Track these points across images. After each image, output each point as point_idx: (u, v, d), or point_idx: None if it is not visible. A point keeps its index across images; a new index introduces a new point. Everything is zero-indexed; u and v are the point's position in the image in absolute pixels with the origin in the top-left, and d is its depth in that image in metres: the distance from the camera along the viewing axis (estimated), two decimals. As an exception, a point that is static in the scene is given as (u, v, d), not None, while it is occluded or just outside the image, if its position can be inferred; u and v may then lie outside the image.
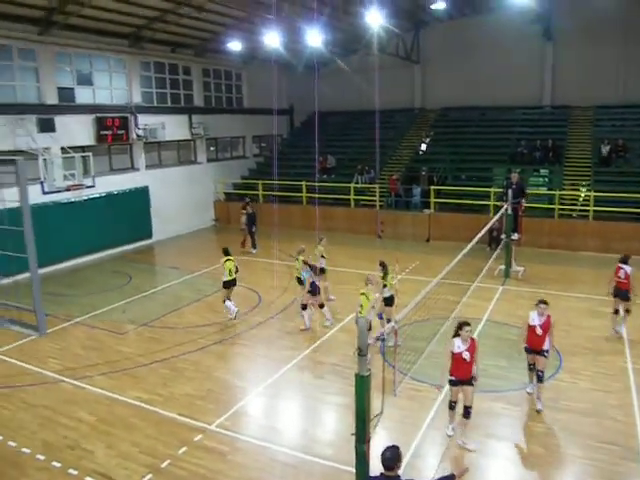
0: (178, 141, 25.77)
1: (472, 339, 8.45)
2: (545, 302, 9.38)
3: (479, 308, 14.16)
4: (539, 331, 9.29)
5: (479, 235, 14.06)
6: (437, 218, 22.62)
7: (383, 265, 12.56)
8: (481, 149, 26.34)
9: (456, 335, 8.41)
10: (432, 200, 22.87)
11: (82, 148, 20.20)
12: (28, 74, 19.18)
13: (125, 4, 18.97)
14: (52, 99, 19.67)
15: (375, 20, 20.33)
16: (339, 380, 10.64)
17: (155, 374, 11.18)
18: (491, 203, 21.60)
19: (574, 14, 25.57)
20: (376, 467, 5.44)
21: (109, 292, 16.73)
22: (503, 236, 17.33)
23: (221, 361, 11.81)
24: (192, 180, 26.00)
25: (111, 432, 9.08)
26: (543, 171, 24.30)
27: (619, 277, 12.15)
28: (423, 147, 27.63)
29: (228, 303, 14.04)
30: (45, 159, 18.23)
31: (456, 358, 8.36)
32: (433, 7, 25.47)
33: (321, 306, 13.43)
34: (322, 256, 15.30)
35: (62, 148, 19.29)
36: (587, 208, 20.56)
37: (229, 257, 14.45)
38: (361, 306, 11.16)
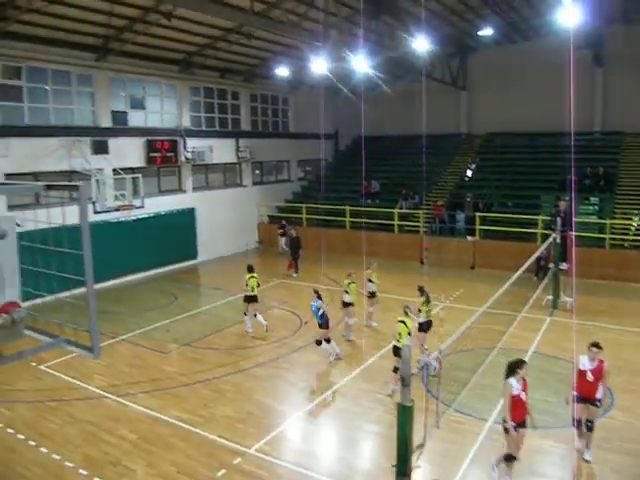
0: (224, 164, 26.29)
1: (523, 378, 7.91)
2: (598, 345, 8.47)
3: (525, 339, 13.75)
4: (590, 377, 8.41)
5: (527, 264, 13.72)
6: (482, 245, 22.23)
7: (422, 290, 12.51)
8: (528, 176, 25.84)
9: (512, 374, 7.81)
10: (477, 227, 22.52)
11: (132, 170, 20.84)
12: (85, 98, 20.01)
13: (177, 32, 19.62)
14: (106, 122, 20.42)
15: (421, 46, 20.39)
16: (379, 408, 10.47)
17: (197, 394, 11.26)
18: (538, 231, 21.11)
19: (626, 40, 25.06)
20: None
21: (154, 311, 17.03)
22: (551, 265, 16.87)
23: (262, 384, 11.80)
24: (237, 202, 26.41)
25: (152, 451, 9.16)
26: (593, 199, 23.66)
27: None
28: (469, 173, 27.34)
29: (259, 317, 14.84)
30: (98, 180, 18.86)
31: (515, 401, 7.79)
32: (480, 34, 25.45)
33: (327, 340, 12.76)
34: (370, 280, 15.20)
35: (114, 169, 19.94)
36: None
37: (253, 274, 15.09)
38: (399, 334, 10.99)
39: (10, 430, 9.85)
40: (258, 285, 15.03)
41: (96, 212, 18.76)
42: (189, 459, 8.89)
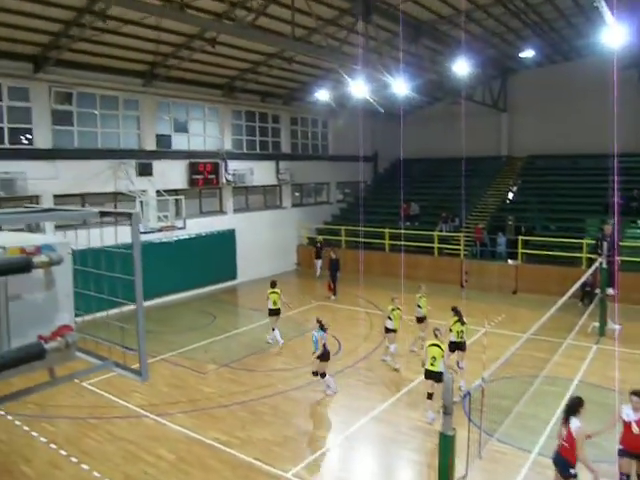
0: (265, 186, 26.61)
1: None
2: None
3: (570, 367, 13.28)
4: (636, 429, 7.53)
5: (572, 289, 13.34)
6: (525, 269, 21.75)
7: (455, 310, 12.45)
8: (572, 198, 25.29)
9: (574, 414, 7.09)
10: (519, 250, 22.08)
11: (175, 191, 21.27)
12: (131, 122, 20.64)
13: (221, 57, 20.12)
14: (151, 145, 20.99)
15: (462, 69, 20.37)
16: (419, 436, 10.25)
17: (234, 416, 11.26)
18: (583, 255, 20.55)
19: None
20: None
21: (194, 331, 17.21)
22: (597, 291, 16.37)
23: (299, 407, 11.72)
24: (277, 224, 26.64)
25: (189, 472, 9.17)
26: (640, 222, 22.96)
27: None
28: (510, 196, 26.95)
29: (276, 333, 15.54)
30: (142, 201, 19.31)
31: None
32: (522, 55, 25.27)
33: (322, 375, 12.19)
34: (418, 305, 15.02)
35: (157, 191, 20.40)
36: (692, 264, 19.10)
37: (275, 290, 15.80)
38: (434, 358, 10.82)
39: (53, 445, 10.03)
40: (281, 300, 15.79)
41: (140, 233, 19.15)
42: (226, 482, 8.87)
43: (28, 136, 17.54)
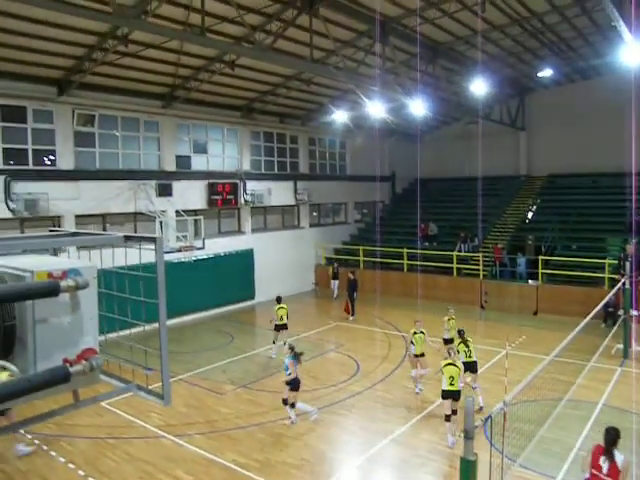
0: (283, 206, 26.73)
1: None
2: None
3: (594, 391, 13.02)
4: None
5: (595, 309, 13.13)
6: (545, 290, 21.46)
7: (459, 332, 12.55)
8: (592, 217, 25.04)
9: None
10: (540, 270, 21.82)
11: (194, 212, 21.48)
12: (151, 143, 20.95)
13: (240, 79, 20.40)
14: (170, 166, 21.26)
15: (479, 89, 20.41)
16: (439, 460, 10.09)
17: (252, 438, 11.18)
18: (606, 275, 20.24)
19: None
20: None
21: (212, 351, 17.22)
22: (621, 312, 16.09)
23: (317, 430, 11.60)
24: (294, 244, 26.69)
25: (207, 495, 9.10)
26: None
27: None
28: (529, 215, 26.76)
29: (275, 346, 16.20)
30: (161, 221, 19.51)
31: None
32: (540, 75, 25.26)
33: (292, 405, 11.76)
34: (446, 328, 14.74)
35: (176, 211, 20.61)
36: None
37: (281, 305, 16.50)
38: (451, 377, 10.77)
39: (71, 465, 10.04)
40: (287, 316, 16.47)
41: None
42: (244, 505, 8.78)
43: (51, 157, 17.89)
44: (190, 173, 22.01)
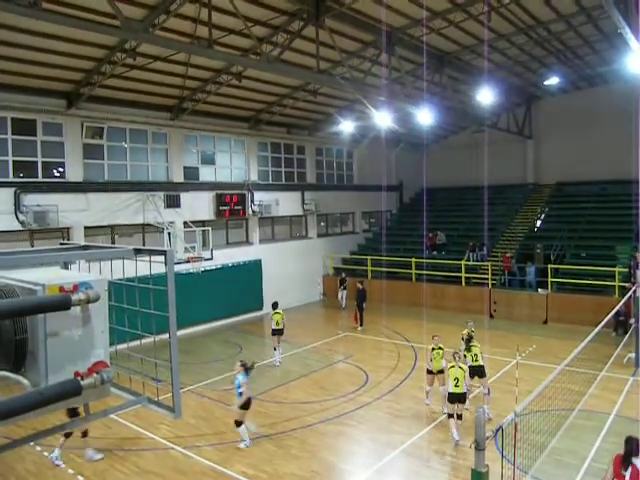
0: (290, 216, 26.77)
1: None
2: None
3: (606, 401, 12.87)
4: None
5: (606, 319, 13.02)
6: (555, 299, 21.31)
7: (463, 339, 12.67)
8: (602, 225, 24.91)
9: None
10: (549, 279, 21.68)
11: (202, 222, 21.53)
12: (159, 155, 21.08)
13: (247, 91, 20.52)
14: (179, 177, 21.36)
15: (486, 97, 20.43)
16: (449, 471, 10.00)
17: (261, 449, 11.13)
18: (616, 284, 20.08)
19: None
20: None
21: (220, 362, 17.18)
22: (632, 321, 15.94)
23: (327, 441, 11.53)
24: (302, 254, 26.69)
25: (217, 507, 9.05)
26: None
27: None
28: (538, 223, 26.66)
29: (277, 352, 16.69)
30: (170, 232, 19.58)
31: None
32: (546, 83, 25.27)
33: (238, 424, 11.36)
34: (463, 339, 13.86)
35: (184, 222, 20.67)
36: None
37: (277, 311, 16.88)
38: (456, 379, 10.95)
39: (80, 478, 10.02)
40: (283, 322, 16.85)
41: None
42: (254, 517, 8.72)
43: (60, 169, 18.03)
44: (198, 184, 22.10)
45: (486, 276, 23.41)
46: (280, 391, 14.53)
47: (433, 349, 12.74)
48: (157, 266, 3.29)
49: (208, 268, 21.50)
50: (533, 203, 29.06)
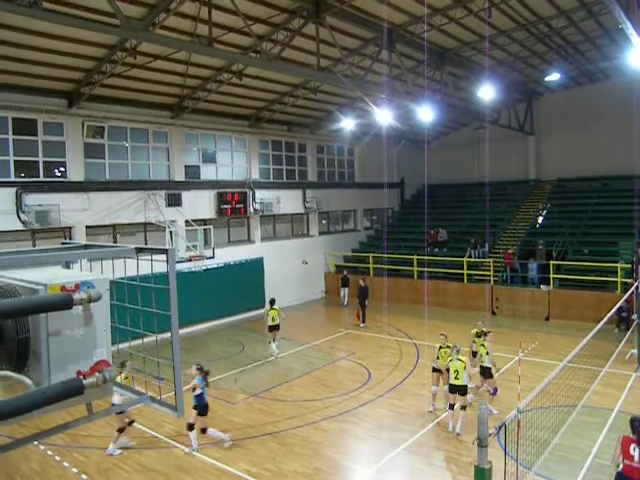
0: (292, 214, 26.76)
1: None
2: None
3: (609, 397, 12.86)
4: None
5: (609, 315, 13.00)
6: (557, 295, 21.27)
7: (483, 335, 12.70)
8: (604, 221, 24.88)
9: None
10: (551, 275, 21.66)
11: (204, 221, 21.55)
12: (160, 154, 21.08)
13: (247, 89, 20.50)
14: (180, 176, 21.36)
15: (487, 94, 20.39)
16: (453, 469, 9.99)
17: (264, 447, 11.14)
18: (618, 280, 20.05)
19: None
20: None
21: (223, 360, 17.21)
22: (634, 317, 15.92)
23: (330, 438, 11.54)
24: (304, 252, 26.68)
25: (220, 505, 9.06)
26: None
27: None
28: (540, 220, 26.62)
29: (273, 345, 17.04)
30: (171, 231, 19.58)
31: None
32: (547, 79, 25.22)
33: (190, 427, 10.96)
34: (474, 340, 13.81)
35: (186, 221, 20.68)
36: None
37: (274, 307, 17.42)
38: (456, 371, 11.19)
39: (84, 476, 10.04)
40: (279, 317, 17.38)
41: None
42: (257, 515, 8.74)
43: (62, 169, 18.04)
44: (199, 183, 22.10)
45: (488, 273, 23.39)
46: (283, 389, 14.53)
47: (441, 347, 12.61)
48: (159, 265, 3.29)
49: (210, 267, 21.49)
50: (535, 199, 29.02)
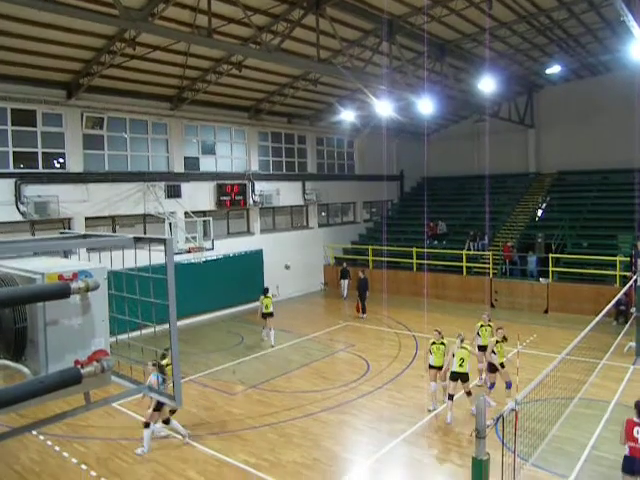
0: (291, 206, 26.73)
1: None
2: None
3: (607, 389, 12.90)
4: None
5: (607, 308, 13.02)
6: (556, 288, 21.29)
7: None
8: (603, 214, 24.88)
9: None
10: (550, 268, 21.67)
11: (203, 213, 21.53)
12: (159, 145, 21.03)
13: (247, 80, 20.42)
14: (179, 168, 21.32)
15: (487, 86, 20.32)
16: (451, 459, 10.04)
17: (263, 438, 11.18)
18: (617, 273, 20.08)
19: None
20: None
21: (222, 351, 17.25)
22: (633, 310, 15.94)
23: (329, 429, 11.58)
24: (304, 244, 26.68)
25: (219, 495, 9.11)
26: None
27: None
28: (539, 213, 26.62)
29: (265, 332, 17.77)
30: (170, 223, 19.56)
31: None
32: (548, 72, 25.13)
33: (166, 422, 11.07)
34: (478, 334, 13.69)
35: (185, 212, 20.66)
36: None
37: (267, 295, 17.86)
38: (462, 359, 11.28)
39: (84, 466, 10.08)
40: (272, 306, 17.73)
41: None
42: (256, 505, 8.78)
43: (61, 160, 18.01)
44: (199, 174, 22.07)
45: (487, 265, 23.41)
46: (281, 380, 14.58)
47: (433, 343, 12.25)
48: (158, 256, 3.28)
49: (209, 258, 21.50)
50: (534, 192, 29.00)
